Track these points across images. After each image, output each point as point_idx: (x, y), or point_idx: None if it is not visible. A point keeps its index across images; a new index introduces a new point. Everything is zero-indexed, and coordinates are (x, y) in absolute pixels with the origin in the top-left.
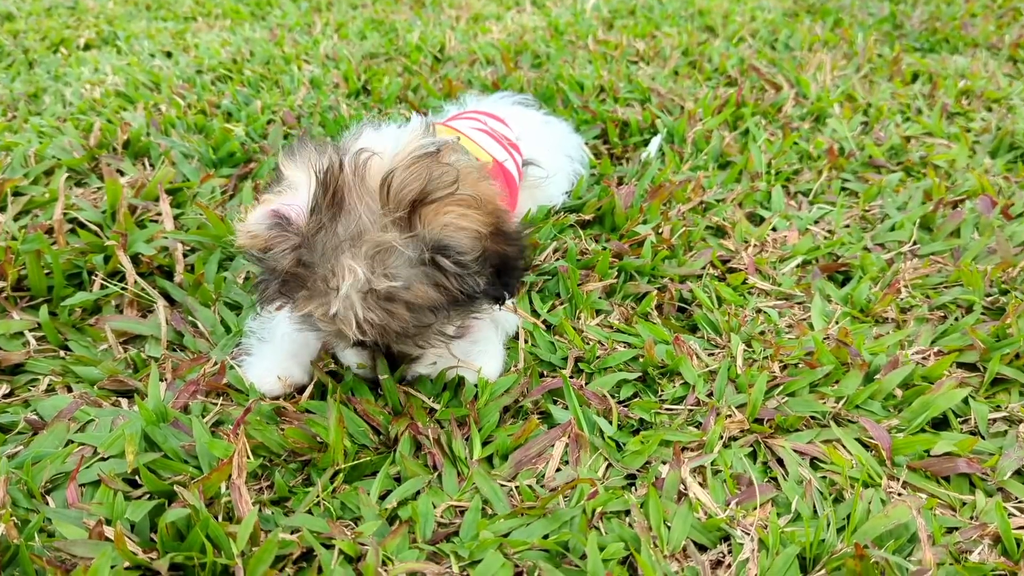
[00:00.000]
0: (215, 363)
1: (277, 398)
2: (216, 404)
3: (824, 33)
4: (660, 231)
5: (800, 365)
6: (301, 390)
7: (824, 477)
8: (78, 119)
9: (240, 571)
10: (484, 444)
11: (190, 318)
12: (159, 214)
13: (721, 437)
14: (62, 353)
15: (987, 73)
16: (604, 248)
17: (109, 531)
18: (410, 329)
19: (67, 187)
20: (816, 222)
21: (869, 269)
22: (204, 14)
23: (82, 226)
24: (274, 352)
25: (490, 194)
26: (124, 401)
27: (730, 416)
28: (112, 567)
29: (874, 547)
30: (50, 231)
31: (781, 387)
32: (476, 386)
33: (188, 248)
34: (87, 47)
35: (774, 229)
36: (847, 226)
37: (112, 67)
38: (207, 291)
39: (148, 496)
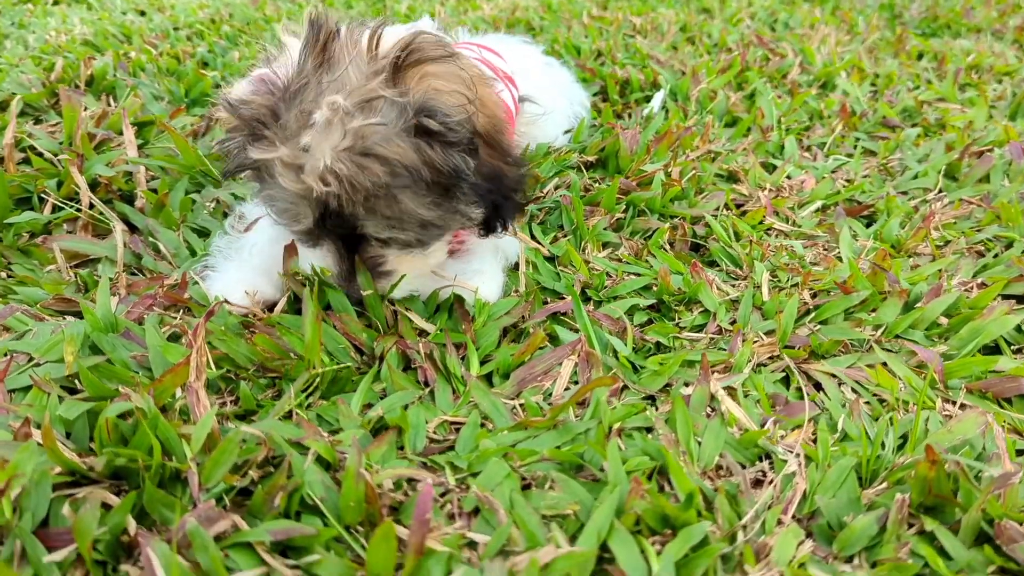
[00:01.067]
0: (176, 280)
1: (245, 313)
2: (175, 317)
3: (824, 16)
4: (669, 172)
5: (833, 293)
6: (272, 308)
7: (869, 403)
8: (40, 58)
9: (194, 476)
10: (482, 363)
11: (151, 239)
12: (121, 144)
13: (749, 360)
14: (3, 274)
15: (994, 53)
16: (608, 185)
17: (37, 434)
18: (381, 193)
19: (24, 122)
20: (833, 172)
21: (895, 212)
22: None
23: (39, 155)
24: (241, 266)
25: (492, 97)
26: (71, 320)
27: (757, 341)
28: (39, 472)
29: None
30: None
31: (813, 314)
32: (473, 307)
33: (152, 176)
34: (56, 2)
35: (788, 177)
36: (866, 176)
37: (81, 19)
38: (171, 214)
39: (88, 401)
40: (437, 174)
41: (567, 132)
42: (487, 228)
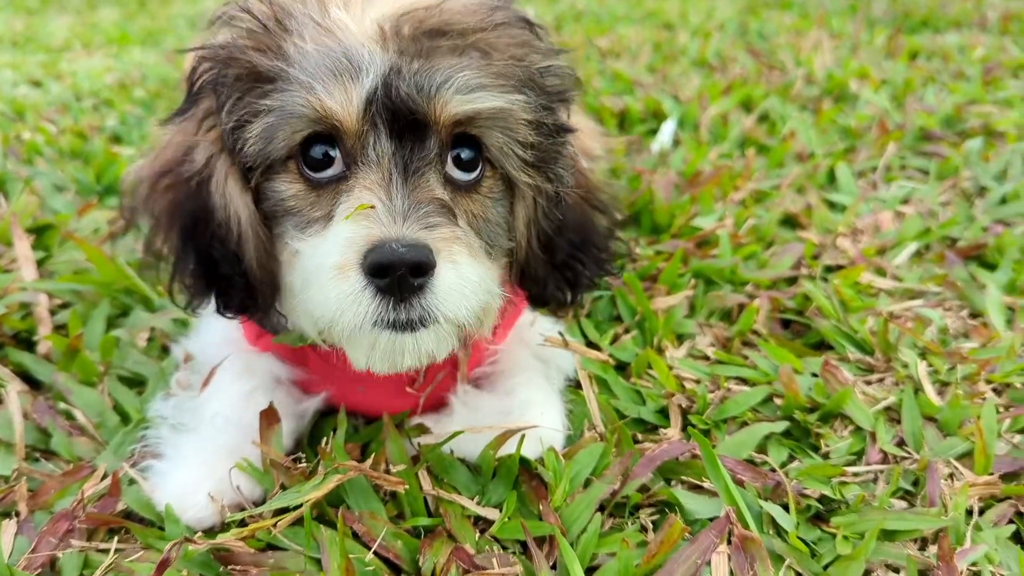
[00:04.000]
0: (103, 475)
1: (213, 530)
2: (107, 551)
3: (795, 22)
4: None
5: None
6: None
7: None
8: None
9: None
10: (589, 573)
11: (62, 405)
12: (13, 261)
13: (969, 515)
14: None
15: (1001, 48)
16: (658, 252)
17: None
18: (482, 84)
19: None
20: (904, 202)
21: (1009, 249)
22: (84, 44)
23: None
24: (201, 449)
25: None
26: None
27: (954, 474)
28: None
29: None
30: None
31: (1008, 421)
32: (543, 463)
33: (58, 304)
34: None
35: (857, 215)
36: (946, 203)
37: None
38: (88, 361)
39: None
40: (542, 96)
41: None
42: (541, 299)
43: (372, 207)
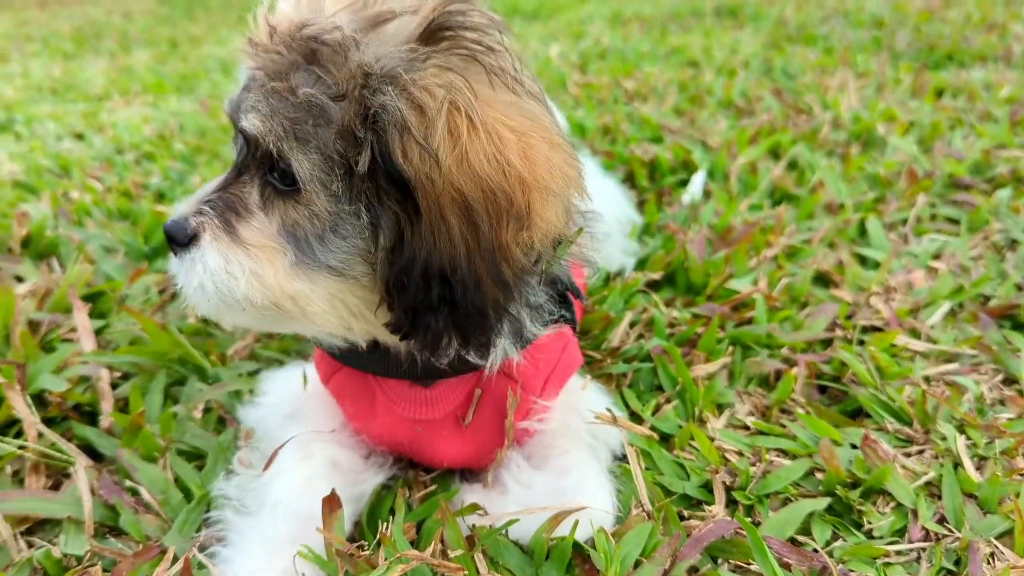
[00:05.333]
0: (174, 558)
1: None
2: None
3: (819, 58)
4: (756, 285)
5: None
6: None
7: None
8: None
9: None
10: None
11: (128, 482)
12: (73, 330)
13: None
14: None
15: (1012, 84)
16: (695, 315)
17: None
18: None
19: None
20: (936, 256)
21: None
22: (121, 92)
23: None
24: (263, 536)
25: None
26: None
27: (995, 554)
28: None
29: None
30: None
31: None
32: (592, 544)
33: (118, 375)
34: None
35: (889, 271)
36: (977, 257)
37: (9, 154)
38: (150, 437)
39: None
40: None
41: (624, 251)
42: (395, 326)
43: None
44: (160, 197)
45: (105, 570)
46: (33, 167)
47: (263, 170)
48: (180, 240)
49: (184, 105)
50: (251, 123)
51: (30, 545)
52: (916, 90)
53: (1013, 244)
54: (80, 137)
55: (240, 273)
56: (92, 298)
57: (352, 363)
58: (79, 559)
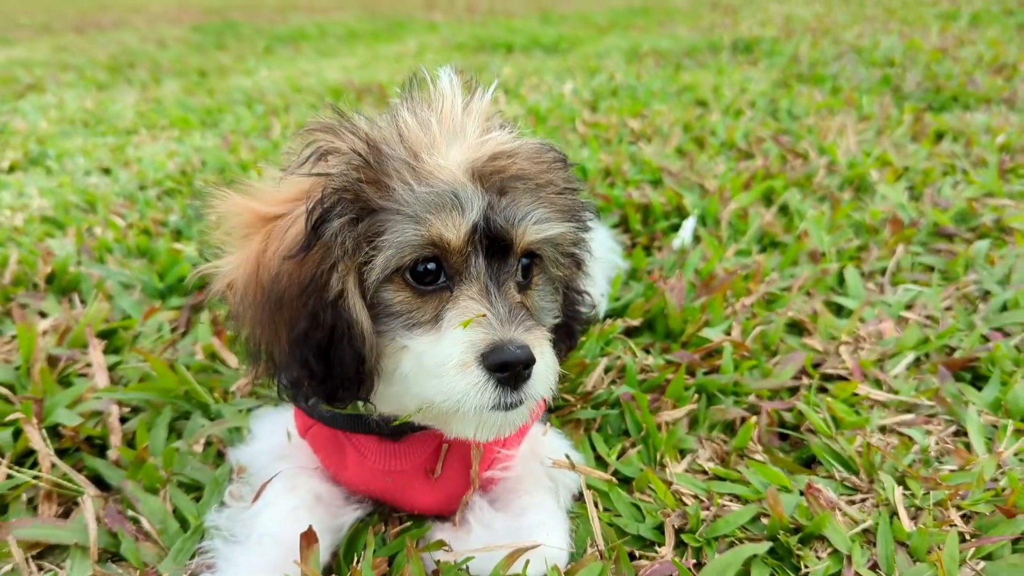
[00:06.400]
0: None
1: None
2: None
3: (825, 99)
4: (729, 333)
5: (993, 513)
6: None
7: None
8: None
9: None
10: None
11: (130, 512)
12: (89, 365)
13: None
14: None
15: (1011, 129)
16: (668, 362)
17: None
18: (548, 217)
19: None
20: (908, 307)
21: (1002, 362)
22: (148, 126)
23: None
24: (249, 564)
25: None
26: None
27: None
28: None
29: None
30: None
31: (972, 549)
32: None
33: (128, 410)
34: (11, 169)
35: (862, 320)
36: (948, 308)
37: (39, 189)
38: (153, 470)
39: None
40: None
41: (604, 294)
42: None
43: (484, 315)
44: (178, 235)
45: None
46: (61, 203)
47: (515, 274)
48: (530, 364)
49: (208, 140)
50: (551, 231)
51: (40, 568)
52: (916, 134)
53: (986, 295)
54: (107, 172)
55: (552, 371)
56: (108, 334)
57: (325, 420)
58: None
